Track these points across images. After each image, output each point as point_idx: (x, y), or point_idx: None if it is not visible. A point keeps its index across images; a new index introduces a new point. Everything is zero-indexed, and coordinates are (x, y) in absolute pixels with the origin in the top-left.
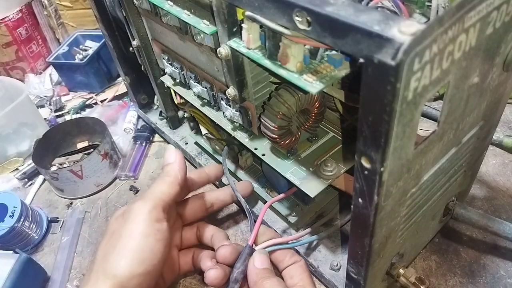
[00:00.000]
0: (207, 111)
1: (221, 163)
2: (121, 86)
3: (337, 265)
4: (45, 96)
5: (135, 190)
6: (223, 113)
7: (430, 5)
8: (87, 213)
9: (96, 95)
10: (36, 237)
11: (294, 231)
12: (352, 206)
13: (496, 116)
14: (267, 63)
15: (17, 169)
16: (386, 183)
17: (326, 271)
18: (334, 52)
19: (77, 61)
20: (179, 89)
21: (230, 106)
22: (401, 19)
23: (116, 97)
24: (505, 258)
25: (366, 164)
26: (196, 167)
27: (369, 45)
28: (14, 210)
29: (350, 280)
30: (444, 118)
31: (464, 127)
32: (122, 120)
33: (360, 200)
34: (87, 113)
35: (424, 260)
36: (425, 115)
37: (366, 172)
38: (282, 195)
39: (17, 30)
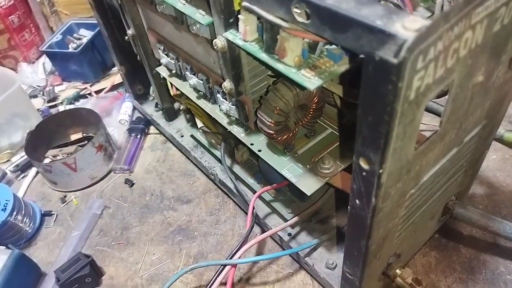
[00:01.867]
0: (203, 104)
1: (217, 157)
2: (117, 77)
3: (332, 263)
4: (38, 86)
5: (130, 183)
6: (219, 106)
7: None
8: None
9: (90, 86)
10: (29, 231)
11: (289, 228)
12: (349, 207)
13: (500, 115)
14: (264, 56)
15: (9, 161)
16: (384, 185)
17: (322, 269)
18: (334, 46)
19: (70, 50)
20: (175, 81)
21: (226, 100)
22: (405, 14)
23: (111, 88)
24: (505, 255)
25: (364, 165)
26: (191, 161)
27: (371, 41)
28: (7, 203)
29: (345, 280)
30: (446, 118)
31: (466, 127)
32: (117, 111)
33: (357, 201)
34: (81, 104)
35: (424, 256)
36: (426, 109)
37: (364, 174)
38: (269, 187)
39: (9, 18)
